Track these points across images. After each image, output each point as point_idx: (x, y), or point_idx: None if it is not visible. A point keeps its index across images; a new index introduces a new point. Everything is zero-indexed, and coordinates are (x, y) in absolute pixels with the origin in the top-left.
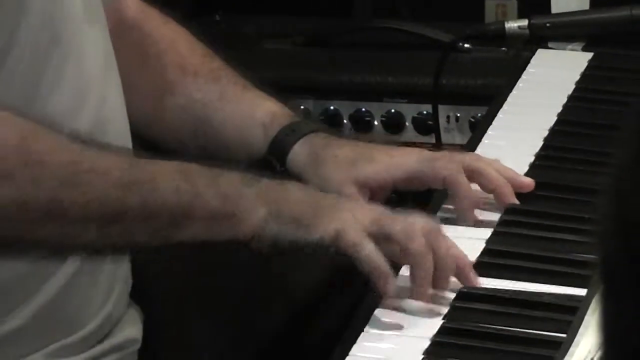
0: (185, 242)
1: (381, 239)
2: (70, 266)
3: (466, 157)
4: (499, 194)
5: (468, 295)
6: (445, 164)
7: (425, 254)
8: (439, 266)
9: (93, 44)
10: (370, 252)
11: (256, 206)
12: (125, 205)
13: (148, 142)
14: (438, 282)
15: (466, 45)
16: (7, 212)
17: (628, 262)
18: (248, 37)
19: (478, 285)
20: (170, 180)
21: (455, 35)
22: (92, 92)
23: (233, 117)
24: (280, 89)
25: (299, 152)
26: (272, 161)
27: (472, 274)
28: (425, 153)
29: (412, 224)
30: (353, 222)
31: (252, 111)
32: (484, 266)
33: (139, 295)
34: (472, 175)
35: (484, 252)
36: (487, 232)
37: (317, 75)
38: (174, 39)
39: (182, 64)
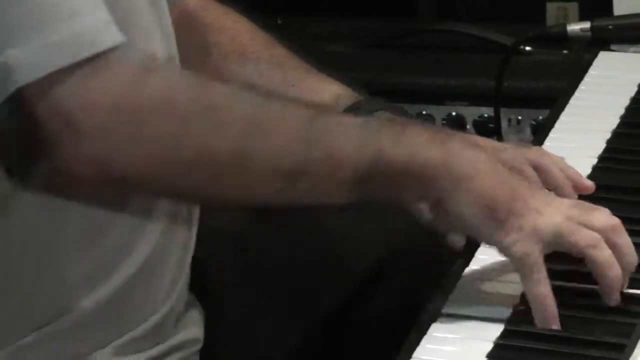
0: (369, 197)
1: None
2: (137, 257)
3: (531, 151)
4: (559, 192)
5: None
6: (512, 155)
7: (612, 264)
8: (625, 267)
9: (158, 30)
10: (544, 294)
11: (446, 172)
12: (310, 157)
13: None
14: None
15: (527, 48)
16: (189, 160)
17: None
18: (310, 40)
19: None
20: (351, 132)
21: (516, 38)
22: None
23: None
24: None
25: None
26: None
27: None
28: (492, 144)
29: (592, 232)
30: (538, 240)
31: (317, 94)
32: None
33: (199, 293)
34: (535, 170)
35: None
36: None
37: (378, 77)
38: (235, 28)
39: (244, 52)
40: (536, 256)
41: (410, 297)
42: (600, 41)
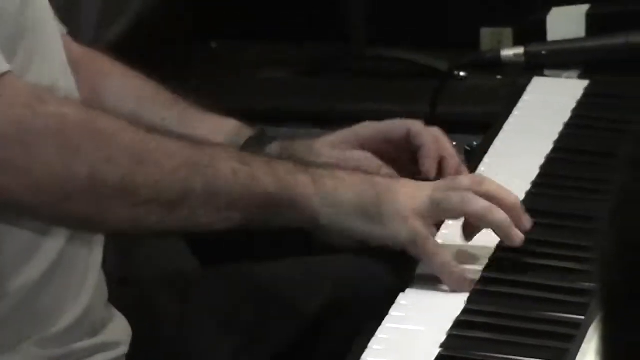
0: (245, 225)
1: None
2: (45, 259)
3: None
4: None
5: (466, 323)
6: (360, 156)
7: (491, 208)
8: (508, 206)
9: (57, 42)
10: (445, 262)
11: (313, 192)
12: (190, 185)
13: None
14: (519, 221)
15: (462, 73)
16: (81, 187)
17: (628, 287)
18: (244, 65)
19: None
20: (228, 162)
21: (451, 63)
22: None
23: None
24: (275, 118)
25: (273, 150)
26: None
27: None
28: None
29: (462, 190)
30: (418, 215)
31: (216, 128)
32: (481, 293)
33: (125, 305)
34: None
35: (481, 280)
36: (484, 260)
37: (313, 104)
38: (123, 74)
39: (137, 96)
40: (422, 231)
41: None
42: (534, 67)
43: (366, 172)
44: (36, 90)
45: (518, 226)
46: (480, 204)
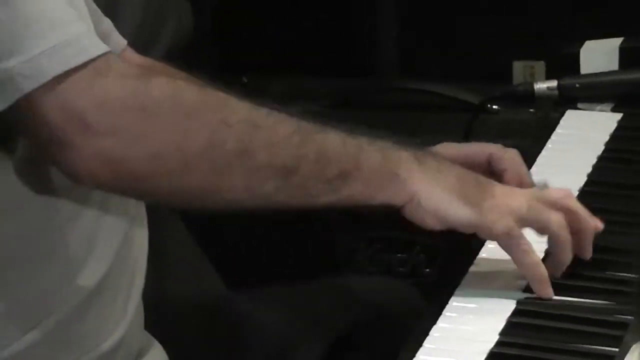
0: (351, 198)
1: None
2: (87, 284)
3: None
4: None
5: (500, 355)
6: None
7: (565, 245)
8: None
9: None
10: (534, 262)
11: (418, 169)
12: (303, 153)
13: None
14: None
15: (494, 107)
16: (199, 153)
17: None
18: (275, 99)
19: None
20: (336, 133)
21: (483, 97)
22: None
23: None
24: None
25: None
26: None
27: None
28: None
29: (556, 209)
30: (515, 214)
31: None
32: (517, 326)
33: (160, 331)
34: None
35: (515, 312)
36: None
37: None
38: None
39: None
40: (517, 229)
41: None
42: (567, 100)
43: None
44: (146, 62)
45: (579, 252)
46: (564, 236)
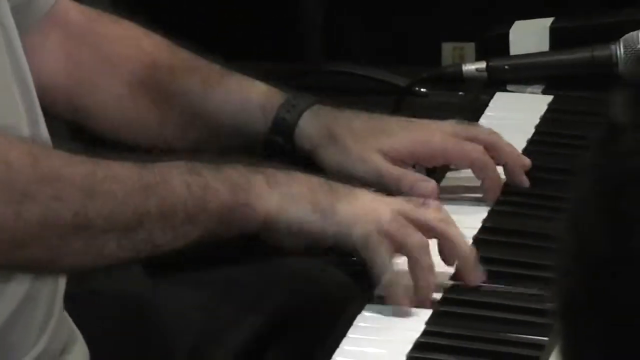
0: (203, 238)
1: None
2: (10, 303)
3: (481, 131)
4: (511, 168)
5: (427, 345)
6: (473, 147)
7: (426, 267)
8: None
9: (14, 78)
10: (385, 263)
11: (267, 191)
12: (144, 208)
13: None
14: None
15: (423, 89)
16: (33, 232)
17: (588, 300)
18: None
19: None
20: (179, 177)
21: (411, 79)
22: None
23: (224, 103)
24: None
25: (307, 127)
26: (278, 141)
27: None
28: (446, 128)
29: (420, 227)
30: (375, 222)
31: (243, 93)
32: (444, 315)
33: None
34: (487, 148)
35: (442, 301)
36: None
37: None
38: (133, 36)
39: (153, 60)
40: (376, 236)
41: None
42: (497, 82)
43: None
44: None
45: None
46: (423, 261)
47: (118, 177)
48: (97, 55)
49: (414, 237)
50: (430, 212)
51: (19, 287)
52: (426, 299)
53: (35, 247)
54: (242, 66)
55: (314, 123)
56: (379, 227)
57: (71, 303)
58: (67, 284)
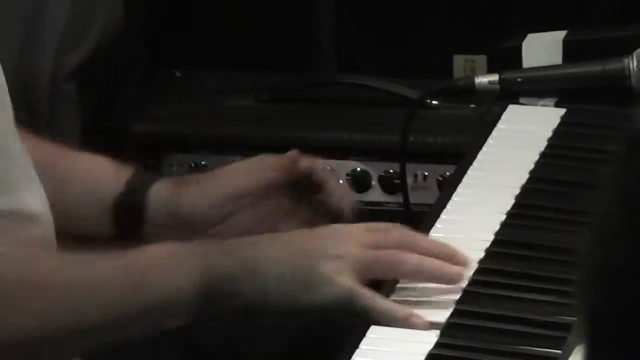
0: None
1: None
2: None
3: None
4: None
5: (439, 357)
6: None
7: (422, 260)
8: (439, 254)
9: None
10: (387, 309)
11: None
12: (137, 302)
13: None
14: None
15: (434, 102)
16: (20, 340)
17: (613, 313)
18: (209, 93)
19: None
20: (165, 267)
21: (422, 91)
22: None
23: (76, 167)
24: (241, 146)
25: (161, 185)
26: (129, 200)
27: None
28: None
29: (390, 248)
30: (346, 275)
31: (92, 171)
32: (457, 327)
33: None
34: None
35: (454, 313)
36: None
37: (280, 132)
38: None
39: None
40: (356, 287)
41: None
42: (509, 94)
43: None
44: None
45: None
46: (413, 261)
47: (105, 278)
48: None
49: (386, 258)
50: (394, 232)
51: None
52: (452, 273)
53: (31, 350)
54: (251, 76)
55: (167, 181)
56: (350, 275)
57: None
58: None
